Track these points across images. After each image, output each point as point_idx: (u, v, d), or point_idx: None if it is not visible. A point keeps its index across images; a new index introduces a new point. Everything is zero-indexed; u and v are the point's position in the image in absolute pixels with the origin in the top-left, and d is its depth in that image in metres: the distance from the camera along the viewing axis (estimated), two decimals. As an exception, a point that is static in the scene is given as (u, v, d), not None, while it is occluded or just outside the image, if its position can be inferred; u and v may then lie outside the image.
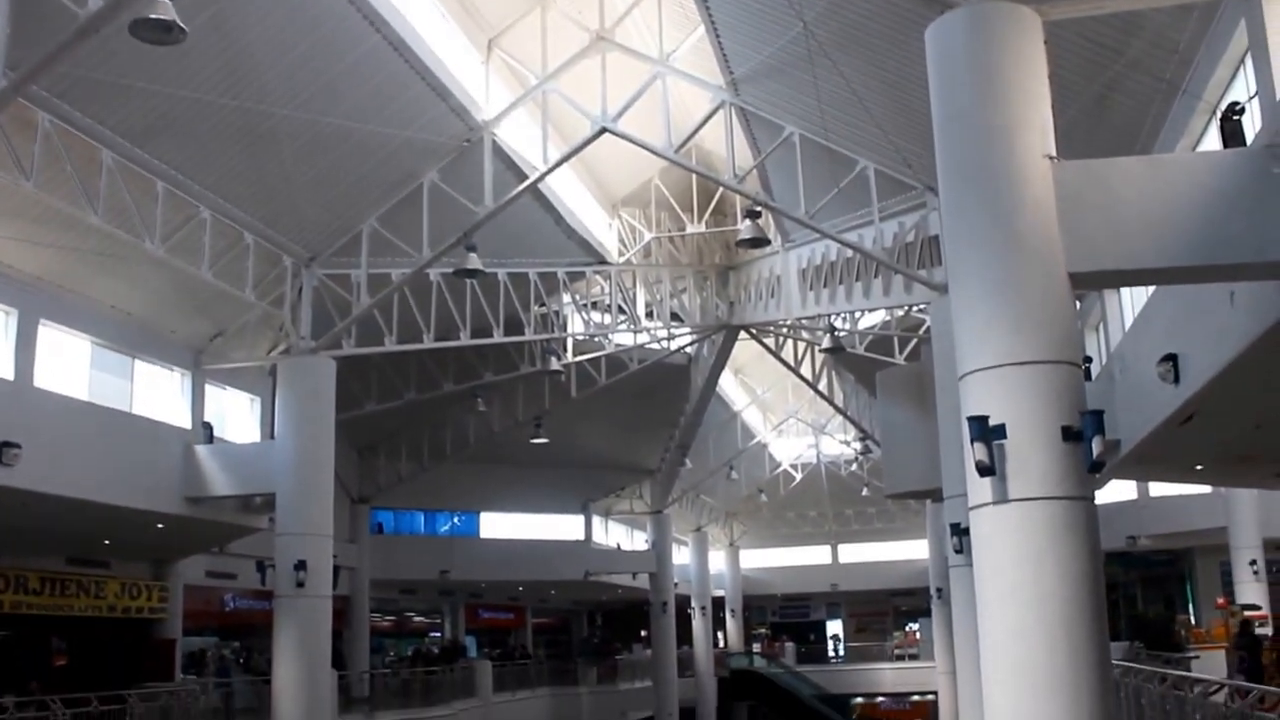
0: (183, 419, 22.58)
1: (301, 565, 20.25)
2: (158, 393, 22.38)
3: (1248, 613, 23.56)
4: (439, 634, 45.44)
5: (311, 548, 20.57)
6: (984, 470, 9.06)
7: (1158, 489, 32.03)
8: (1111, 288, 16.97)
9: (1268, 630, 21.75)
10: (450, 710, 28.99)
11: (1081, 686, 8.46)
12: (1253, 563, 28.01)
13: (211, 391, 23.69)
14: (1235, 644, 18.38)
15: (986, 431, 9.05)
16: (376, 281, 21.57)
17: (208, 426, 22.53)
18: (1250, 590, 27.49)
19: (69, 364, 19.94)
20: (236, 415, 24.88)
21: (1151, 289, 14.16)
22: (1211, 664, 20.89)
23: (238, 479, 21.78)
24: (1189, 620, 31.94)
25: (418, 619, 46.38)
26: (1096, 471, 9.19)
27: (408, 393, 29.10)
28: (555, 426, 32.81)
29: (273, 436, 22.03)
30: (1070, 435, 8.98)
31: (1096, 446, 8.95)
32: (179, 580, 26.74)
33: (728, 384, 42.54)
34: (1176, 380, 12.53)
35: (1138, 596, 40.18)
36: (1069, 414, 9.05)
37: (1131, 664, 18.47)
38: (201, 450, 21.91)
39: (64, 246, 18.12)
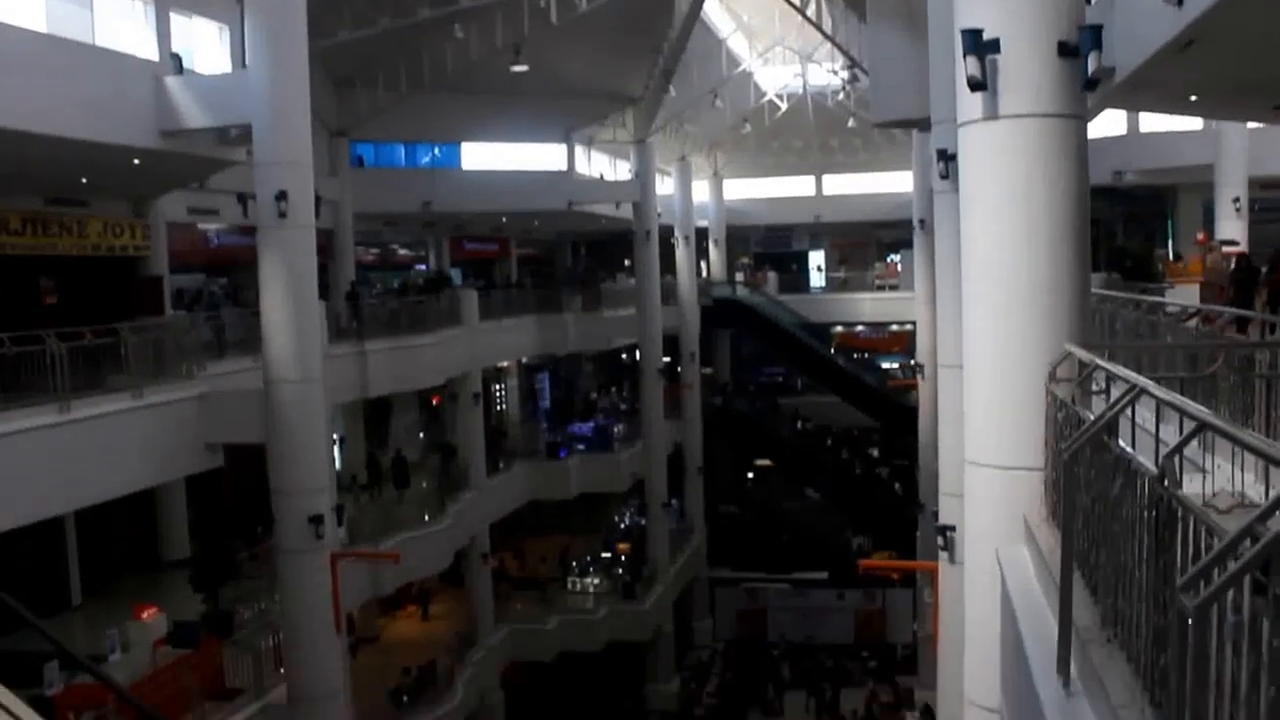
0: (149, 51, 21.90)
1: (282, 196, 20.12)
2: (121, 23, 21.60)
3: (1225, 248, 23.80)
4: (424, 267, 46.07)
5: (291, 177, 20.37)
6: (975, 85, 8.79)
7: (1147, 124, 31.73)
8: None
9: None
10: (437, 338, 29.65)
11: (1060, 303, 8.56)
12: (1236, 200, 28.13)
13: (177, 21, 22.86)
14: (1231, 278, 18.46)
15: (980, 45, 8.73)
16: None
17: (176, 57, 21.85)
18: (1230, 227, 27.74)
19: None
20: (206, 46, 24.14)
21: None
22: (1186, 297, 21.29)
23: (211, 110, 21.30)
24: (1167, 255, 32.40)
25: (403, 252, 46.90)
26: (1091, 89, 8.94)
27: (382, 20, 28.13)
28: (535, 54, 31.91)
29: (244, 66, 21.42)
30: (1066, 51, 8.69)
31: (1092, 63, 8.68)
32: (160, 218, 26.75)
33: (713, 9, 41.30)
34: (1180, 1, 12.09)
35: (1119, 232, 40.66)
36: (1066, 29, 8.73)
37: (1109, 292, 18.79)
38: (172, 82, 21.32)
39: None
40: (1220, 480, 6.44)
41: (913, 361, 40.65)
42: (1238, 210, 28.05)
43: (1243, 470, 6.79)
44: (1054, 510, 7.32)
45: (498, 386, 45.88)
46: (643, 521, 43.51)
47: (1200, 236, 28.00)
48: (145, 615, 21.22)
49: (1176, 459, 4.09)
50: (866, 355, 56.29)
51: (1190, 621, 3.07)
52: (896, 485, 48.96)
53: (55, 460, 17.12)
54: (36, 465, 16.80)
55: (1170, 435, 4.52)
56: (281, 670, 21.11)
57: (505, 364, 44.80)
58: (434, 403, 40.79)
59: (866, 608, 46.84)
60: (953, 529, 17.80)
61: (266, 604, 23.34)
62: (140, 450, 19.22)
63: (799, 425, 53.41)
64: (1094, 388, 7.24)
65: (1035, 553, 7.37)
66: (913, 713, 36.88)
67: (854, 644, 45.88)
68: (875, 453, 53.93)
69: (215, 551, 24.63)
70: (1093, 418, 5.70)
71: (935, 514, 20.99)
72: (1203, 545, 3.57)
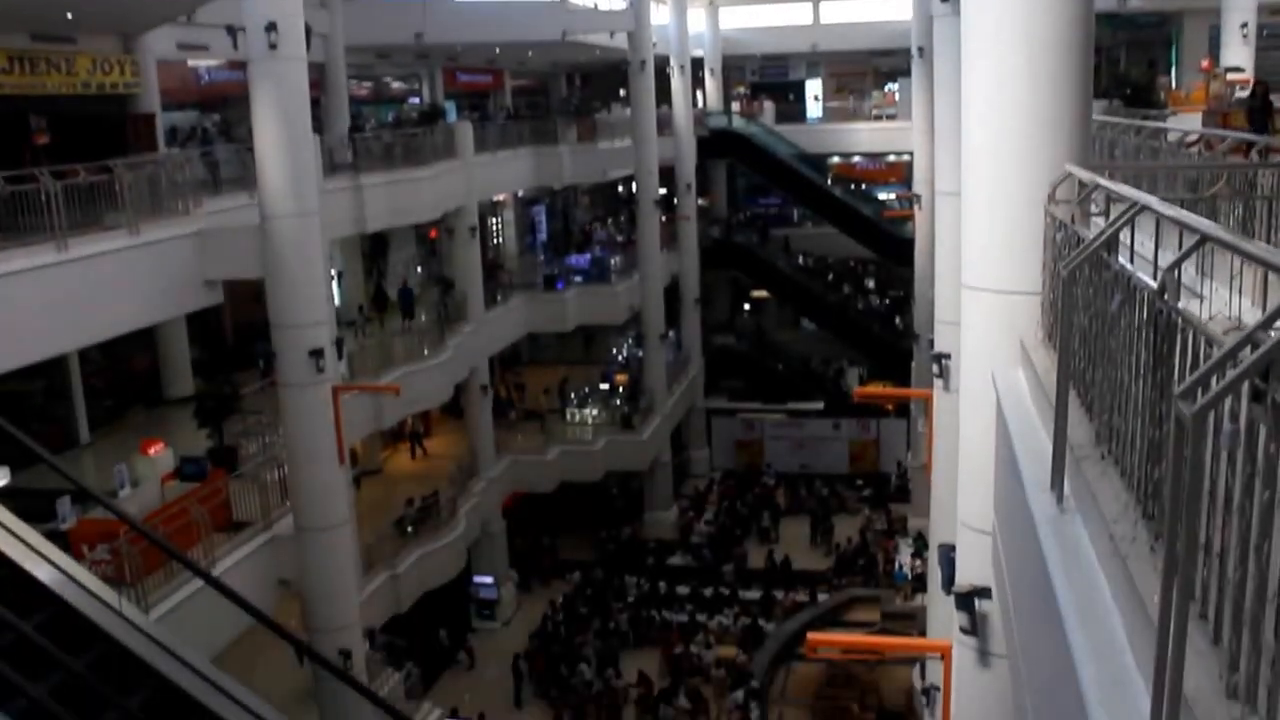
0: None
1: (272, 27, 19.65)
2: None
3: (1230, 75, 23.36)
4: (418, 100, 45.36)
5: (280, 7, 19.89)
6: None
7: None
8: None
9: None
10: (433, 171, 29.37)
11: (1061, 127, 8.42)
12: (1243, 25, 27.53)
13: None
14: (1246, 106, 18.10)
15: None
16: None
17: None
18: (1236, 54, 27.20)
19: None
20: None
21: None
22: (1187, 125, 21.00)
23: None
24: (1169, 83, 31.88)
25: (396, 85, 46.12)
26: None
27: None
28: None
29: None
30: None
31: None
32: (149, 54, 26.24)
33: None
34: None
35: (1121, 59, 39.92)
36: None
37: (1109, 118, 18.56)
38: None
39: None
40: (1218, 306, 6.44)
41: (909, 192, 40.31)
42: (1245, 36, 27.50)
43: (1240, 295, 6.78)
44: (1050, 332, 7.33)
45: (494, 220, 45.61)
46: (640, 353, 43.71)
47: (1205, 63, 27.52)
48: (152, 451, 21.48)
49: (1176, 272, 4.07)
50: (863, 186, 55.83)
51: (1186, 430, 3.08)
52: (897, 319, 49.11)
53: (55, 299, 17.08)
54: (37, 305, 16.77)
55: (1169, 260, 4.48)
56: (287, 502, 21.45)
57: (501, 197, 44.44)
58: (431, 237, 40.60)
59: (861, 438, 47.42)
60: (948, 357, 17.92)
61: (270, 438, 23.62)
62: (139, 288, 19.17)
63: (800, 260, 53.32)
64: (1093, 209, 7.17)
65: (1031, 375, 7.40)
66: (905, 539, 37.71)
67: (848, 474, 46.58)
68: (871, 284, 53.98)
69: (218, 387, 24.78)
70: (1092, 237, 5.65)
71: (930, 343, 21.11)
72: (1201, 358, 3.56)
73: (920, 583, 31.91)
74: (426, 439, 35.99)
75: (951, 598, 10.35)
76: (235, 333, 33.29)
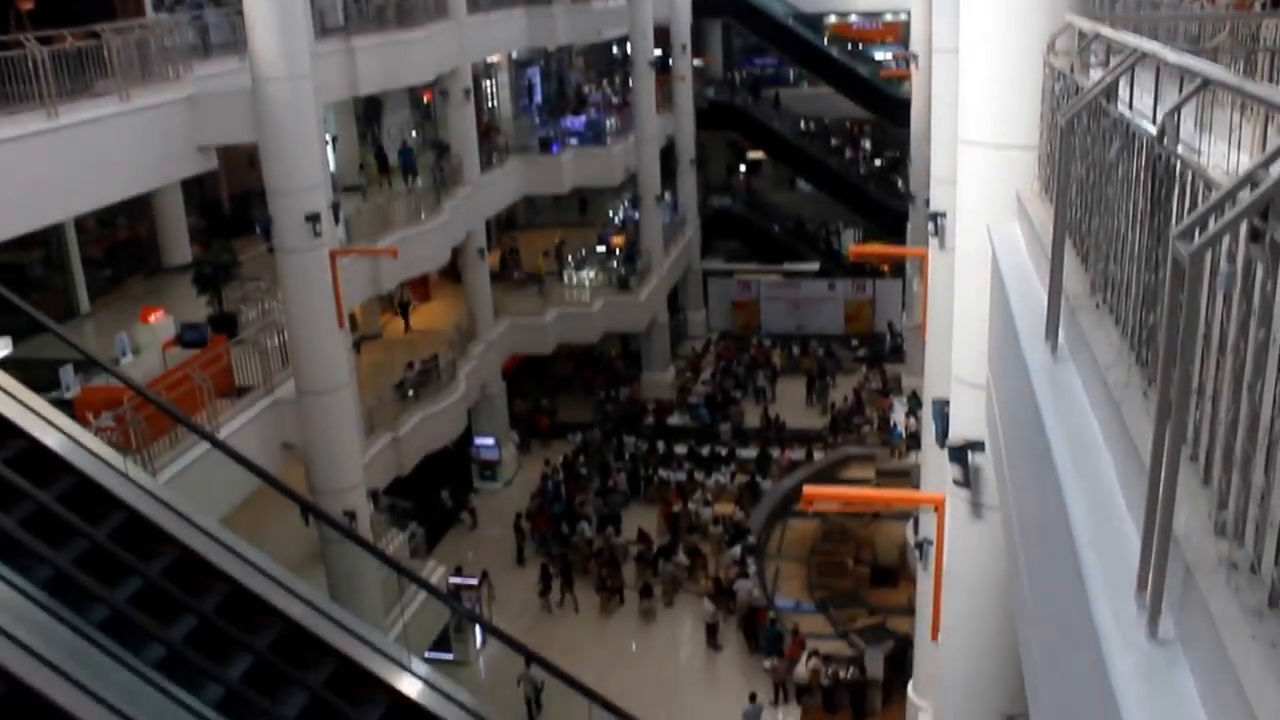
0: None
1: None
2: None
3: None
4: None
5: None
6: None
7: None
8: None
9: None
10: (426, 33, 28.82)
11: None
12: None
13: None
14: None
15: None
16: None
17: None
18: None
19: None
20: None
21: None
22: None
23: None
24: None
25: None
26: None
27: None
28: None
29: None
30: None
31: None
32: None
33: None
34: None
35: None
36: None
37: None
38: None
39: None
40: (1215, 160, 6.35)
41: (906, 51, 39.63)
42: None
43: (1238, 151, 6.70)
44: (1047, 185, 7.27)
45: (488, 83, 44.92)
46: (636, 215, 43.46)
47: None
48: (152, 318, 21.47)
49: (1176, 116, 4.01)
50: (860, 46, 54.88)
51: (1184, 271, 3.07)
52: (898, 181, 48.71)
53: (46, 168, 16.90)
54: (28, 173, 16.58)
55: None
56: (288, 367, 21.52)
57: (495, 59, 43.70)
58: (425, 100, 40.01)
59: (856, 298, 47.44)
60: (943, 215, 17.83)
61: (270, 304, 23.60)
62: (131, 155, 18.93)
63: (801, 125, 52.68)
64: (1092, 59, 7.06)
65: (1027, 227, 7.37)
66: (900, 397, 38.02)
67: (844, 334, 46.70)
68: (868, 145, 53.45)
69: (216, 254, 24.68)
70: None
71: (926, 202, 20.98)
72: (1200, 202, 3.53)
73: (914, 440, 32.26)
74: (418, 307, 35.86)
75: (945, 452, 10.48)
76: (231, 200, 33.06)
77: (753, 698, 24.20)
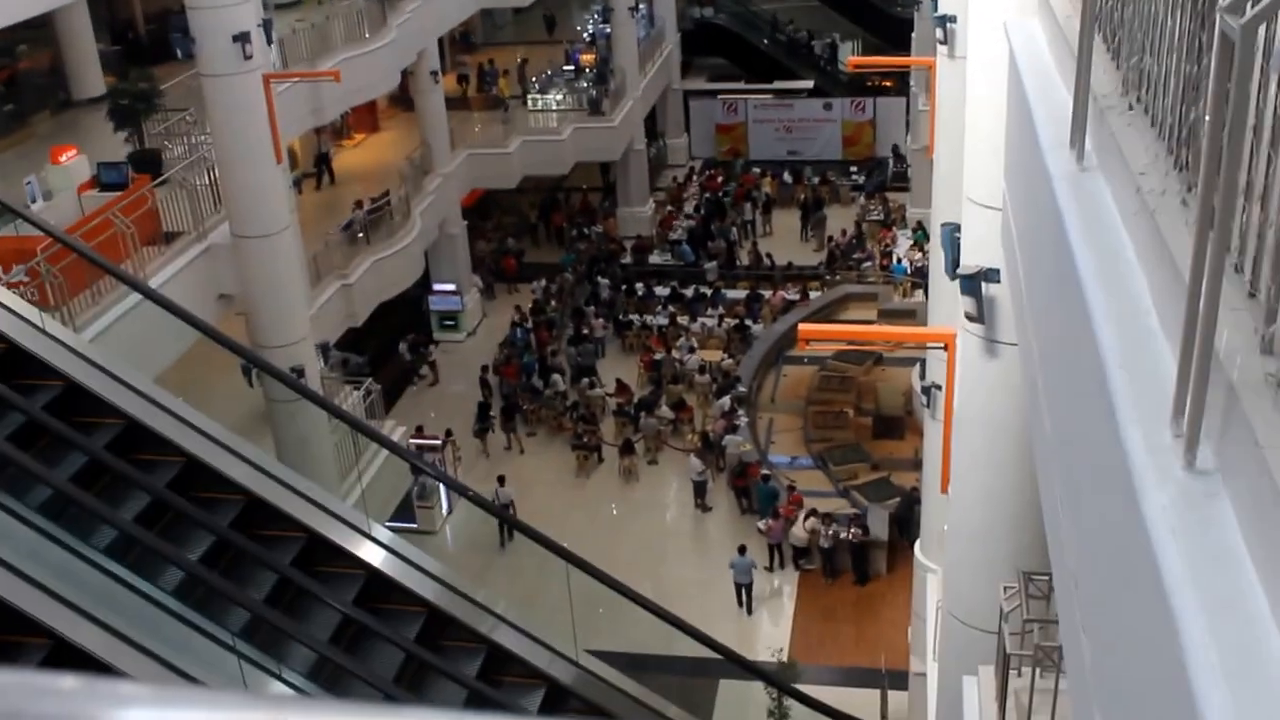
0: None
1: None
2: None
3: None
4: None
5: None
6: None
7: None
8: None
9: None
10: None
11: None
12: None
13: None
14: None
15: None
16: None
17: None
18: None
19: None
20: None
21: None
22: None
23: None
24: None
25: None
26: None
27: None
28: None
29: None
30: None
31: None
32: None
33: None
34: None
35: None
36: None
37: None
38: None
39: None
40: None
41: None
42: None
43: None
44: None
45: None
46: (608, 29, 42.63)
47: None
48: (64, 158, 21.17)
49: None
50: None
51: (1234, 48, 2.96)
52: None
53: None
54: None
55: None
56: (222, 209, 21.29)
57: None
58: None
59: (855, 119, 46.89)
60: (953, 19, 17.49)
61: (197, 138, 23.24)
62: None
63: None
64: None
65: (1050, 22, 7.19)
66: (904, 230, 37.92)
67: (842, 159, 46.32)
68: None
69: (133, 84, 24.16)
70: None
71: (935, 4, 20.59)
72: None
73: (920, 276, 32.26)
74: (348, 148, 35.30)
75: (956, 284, 10.42)
76: (147, 21, 32.35)
77: (742, 550, 24.54)
